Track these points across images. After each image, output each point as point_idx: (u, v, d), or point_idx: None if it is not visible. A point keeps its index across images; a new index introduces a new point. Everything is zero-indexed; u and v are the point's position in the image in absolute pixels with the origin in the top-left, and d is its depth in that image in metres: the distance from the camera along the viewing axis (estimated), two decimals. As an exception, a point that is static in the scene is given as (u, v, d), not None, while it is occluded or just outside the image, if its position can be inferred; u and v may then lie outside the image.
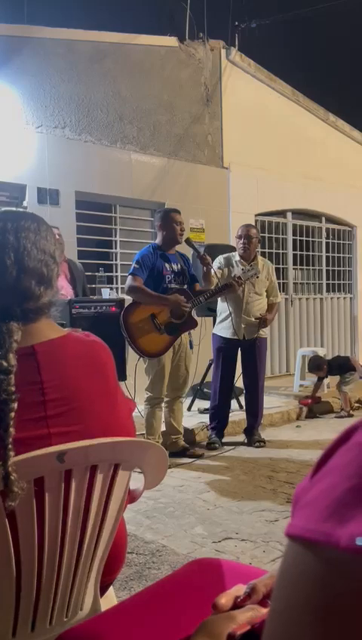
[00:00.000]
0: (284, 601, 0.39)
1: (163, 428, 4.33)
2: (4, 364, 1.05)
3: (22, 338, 1.12)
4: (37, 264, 1.17)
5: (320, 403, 5.95)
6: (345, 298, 8.80)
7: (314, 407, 5.86)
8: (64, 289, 4.57)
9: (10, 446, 1.00)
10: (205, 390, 5.44)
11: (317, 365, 5.80)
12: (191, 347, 4.33)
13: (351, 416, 5.62)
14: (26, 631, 1.13)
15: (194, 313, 4.37)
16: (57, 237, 4.51)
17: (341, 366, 5.77)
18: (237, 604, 0.74)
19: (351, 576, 0.34)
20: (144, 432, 4.14)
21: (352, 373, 5.67)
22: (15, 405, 1.03)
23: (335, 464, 0.40)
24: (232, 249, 4.95)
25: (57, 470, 1.07)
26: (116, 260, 6.04)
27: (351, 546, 0.34)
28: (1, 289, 1.14)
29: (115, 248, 6.04)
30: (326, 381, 6.56)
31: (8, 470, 0.98)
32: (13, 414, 1.03)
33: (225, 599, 0.74)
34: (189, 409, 5.40)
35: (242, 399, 5.12)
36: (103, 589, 1.30)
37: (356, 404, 6.17)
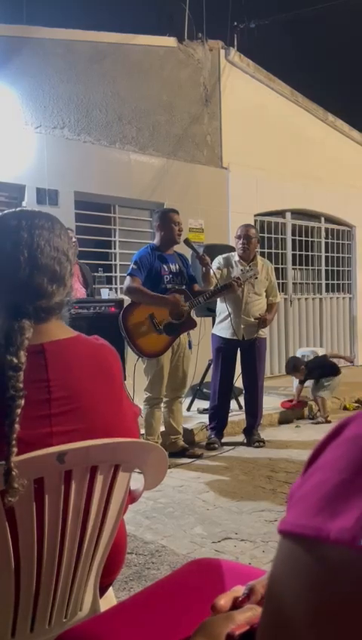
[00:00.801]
0: (276, 599, 0.39)
1: (162, 428, 4.33)
2: (15, 360, 1.06)
3: (32, 336, 1.12)
4: (49, 261, 1.17)
5: (304, 407, 5.69)
6: (344, 298, 8.80)
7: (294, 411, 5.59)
8: (77, 291, 4.61)
9: (13, 442, 1.01)
10: (204, 390, 5.44)
11: (294, 366, 5.58)
12: (190, 347, 4.33)
13: (328, 422, 5.34)
14: (25, 631, 1.13)
15: (193, 314, 4.37)
16: (74, 240, 4.61)
17: (319, 365, 5.54)
18: (236, 605, 0.74)
19: (340, 570, 0.34)
20: (143, 432, 4.14)
21: (331, 378, 5.43)
22: (22, 402, 1.04)
23: (326, 460, 0.40)
24: (231, 249, 4.95)
25: (57, 471, 1.07)
26: (115, 260, 6.04)
27: (341, 539, 0.34)
28: (14, 286, 1.15)
29: (114, 249, 6.04)
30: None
31: (10, 466, 0.98)
32: (19, 411, 1.03)
33: (223, 600, 0.74)
34: (189, 409, 5.40)
35: (241, 399, 5.12)
36: (103, 589, 1.30)
37: (355, 404, 6.16)
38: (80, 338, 1.22)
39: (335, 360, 5.82)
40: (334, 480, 0.38)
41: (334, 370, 5.52)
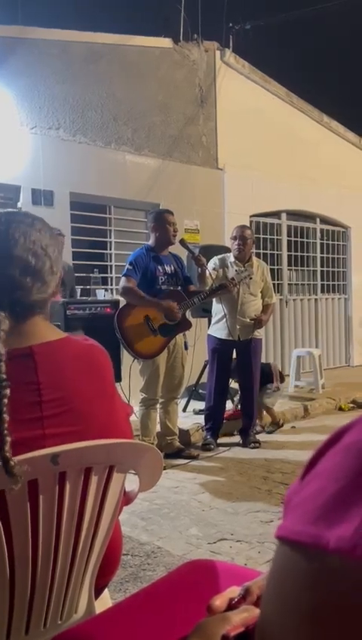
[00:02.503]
0: (273, 604, 0.39)
1: (158, 429, 4.33)
2: None
3: (18, 338, 1.12)
4: (23, 253, 1.16)
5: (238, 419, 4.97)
6: (339, 299, 8.83)
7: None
8: None
9: (5, 432, 1.00)
10: (200, 391, 5.44)
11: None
12: (186, 348, 4.33)
13: (270, 432, 5.10)
14: (20, 633, 1.12)
15: (188, 314, 4.37)
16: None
17: (261, 371, 5.07)
18: (232, 606, 0.74)
19: (339, 579, 0.34)
20: (139, 433, 4.13)
21: (271, 385, 5.11)
22: (8, 392, 1.02)
23: (325, 466, 0.40)
24: (227, 250, 4.96)
25: (52, 472, 1.07)
26: (111, 260, 6.03)
27: (340, 548, 0.34)
28: None
29: (110, 249, 6.04)
30: (320, 382, 6.57)
31: (6, 455, 0.98)
32: (6, 400, 1.02)
33: (219, 601, 0.74)
34: (184, 410, 5.40)
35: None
36: (98, 591, 1.30)
37: (350, 405, 6.17)
38: (69, 339, 1.22)
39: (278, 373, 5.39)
40: (333, 487, 0.37)
41: (267, 379, 5.12)
